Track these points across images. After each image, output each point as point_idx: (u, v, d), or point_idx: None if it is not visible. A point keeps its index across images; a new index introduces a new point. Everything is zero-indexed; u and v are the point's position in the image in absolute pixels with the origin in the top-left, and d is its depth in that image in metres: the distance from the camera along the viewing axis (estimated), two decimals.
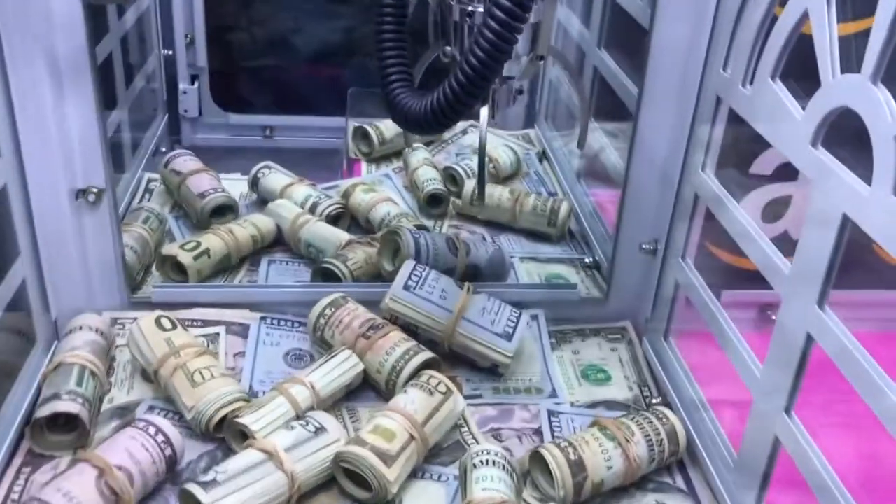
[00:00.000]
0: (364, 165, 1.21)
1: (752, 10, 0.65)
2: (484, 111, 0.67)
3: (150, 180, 1.12)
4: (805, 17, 0.57)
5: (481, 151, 0.70)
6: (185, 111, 1.29)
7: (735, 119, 0.70)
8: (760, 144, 0.69)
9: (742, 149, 0.81)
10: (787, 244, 0.87)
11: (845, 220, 0.53)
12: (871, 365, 0.51)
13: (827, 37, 0.54)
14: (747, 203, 0.85)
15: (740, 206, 0.71)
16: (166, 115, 1.27)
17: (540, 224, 1.05)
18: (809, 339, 0.57)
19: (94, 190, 0.78)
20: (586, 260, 1.01)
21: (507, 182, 1.17)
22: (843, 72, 0.53)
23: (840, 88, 0.53)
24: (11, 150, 0.70)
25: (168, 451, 0.67)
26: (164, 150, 1.22)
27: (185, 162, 1.07)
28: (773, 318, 0.87)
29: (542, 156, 1.27)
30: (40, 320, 0.77)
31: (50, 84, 0.71)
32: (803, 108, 0.58)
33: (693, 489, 0.71)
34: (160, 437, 0.66)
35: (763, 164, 0.84)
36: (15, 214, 0.71)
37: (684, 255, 0.79)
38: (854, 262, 0.57)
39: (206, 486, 0.62)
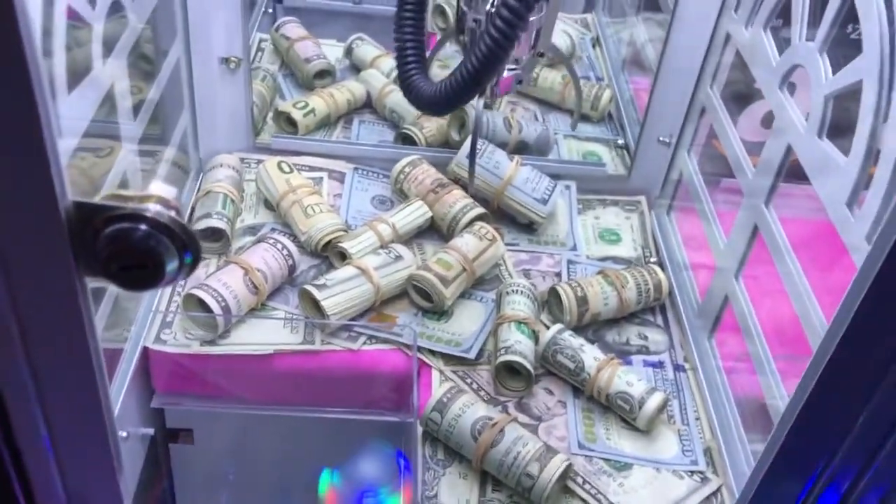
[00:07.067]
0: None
1: None
2: (479, 102, 0.79)
3: (261, 40, 1.34)
4: None
5: (474, 136, 0.80)
6: None
7: None
8: None
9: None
10: None
11: (788, 148, 0.74)
12: (786, 248, 0.73)
13: (800, 7, 0.73)
14: (750, 111, 1.05)
15: (746, 112, 0.91)
16: None
17: (584, 107, 1.25)
18: (756, 228, 0.79)
19: (235, 59, 1.01)
20: (619, 141, 1.21)
21: (560, 65, 1.36)
22: (808, 38, 0.72)
23: (801, 50, 0.72)
24: (182, 31, 0.92)
25: (290, 262, 0.93)
26: (270, 10, 1.42)
27: (293, 28, 1.28)
28: None
29: (595, 41, 1.45)
30: (192, 157, 1.03)
31: None
32: (779, 56, 0.77)
33: (668, 326, 0.96)
34: (285, 251, 0.92)
35: None
36: (182, 79, 0.94)
37: (690, 149, 1.00)
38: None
39: (319, 287, 0.88)
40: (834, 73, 0.68)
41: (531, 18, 0.69)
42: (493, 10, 0.68)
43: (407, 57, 0.76)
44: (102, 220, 0.45)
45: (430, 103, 0.75)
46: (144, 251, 0.45)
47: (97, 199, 0.47)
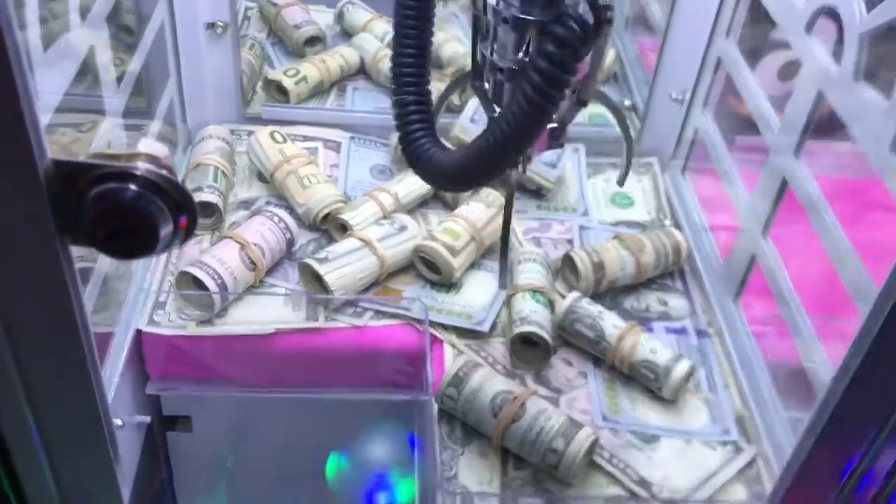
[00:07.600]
0: None
1: None
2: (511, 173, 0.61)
3: (247, 8, 1.27)
4: None
5: (505, 228, 0.64)
6: None
7: None
8: None
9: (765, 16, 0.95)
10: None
11: (819, 95, 0.69)
12: (823, 206, 0.69)
13: None
14: (766, 62, 1.00)
15: (760, 64, 0.86)
16: None
17: None
18: (783, 184, 0.74)
19: (221, 24, 0.95)
20: (626, 102, 1.16)
21: None
22: None
23: None
24: None
25: (288, 235, 0.88)
26: None
27: None
28: None
29: None
30: (180, 129, 0.97)
31: None
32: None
33: (688, 290, 0.91)
34: (282, 224, 0.87)
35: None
36: (167, 46, 0.89)
37: (705, 105, 0.95)
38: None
39: (320, 261, 0.83)
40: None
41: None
42: (527, 58, 0.51)
43: (409, 115, 0.59)
44: (87, 181, 0.40)
45: (447, 178, 0.57)
46: (135, 213, 0.40)
47: (81, 158, 0.42)
